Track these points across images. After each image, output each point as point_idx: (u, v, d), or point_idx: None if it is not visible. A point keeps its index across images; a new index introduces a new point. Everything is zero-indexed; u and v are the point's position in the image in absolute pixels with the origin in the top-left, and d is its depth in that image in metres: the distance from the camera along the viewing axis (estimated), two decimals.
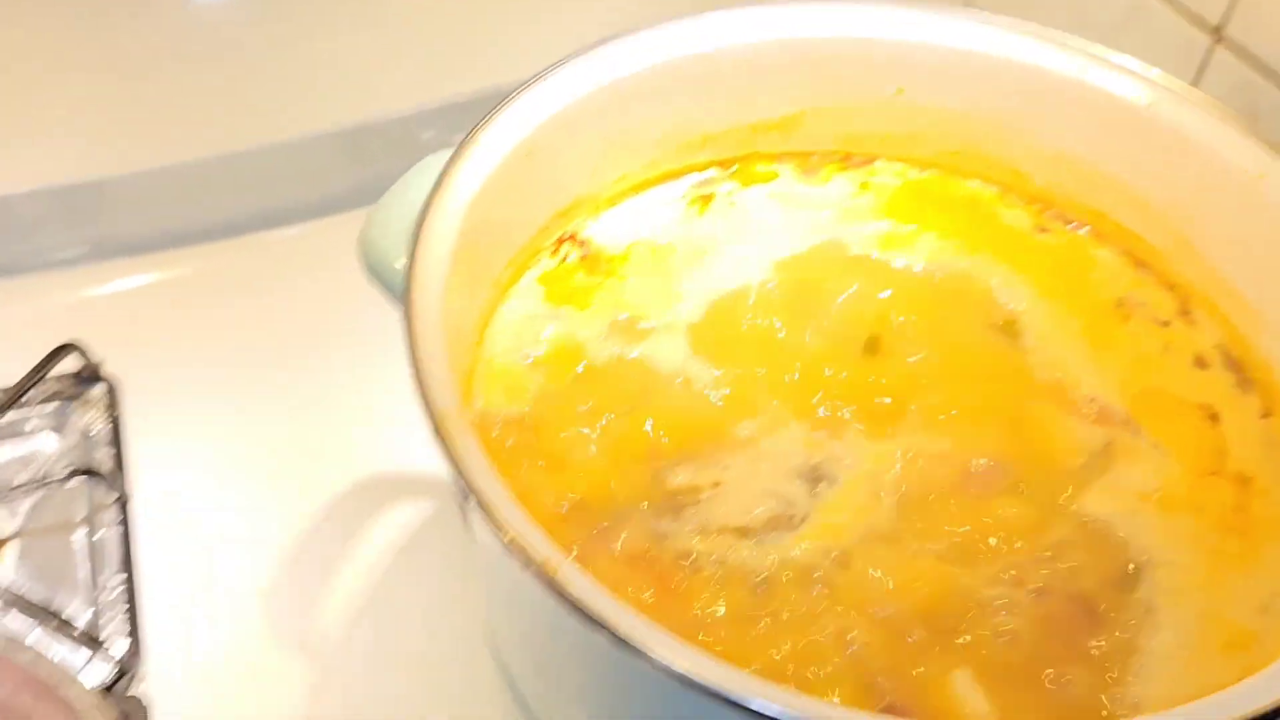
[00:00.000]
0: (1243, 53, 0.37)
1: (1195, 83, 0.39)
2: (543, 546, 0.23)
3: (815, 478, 0.31)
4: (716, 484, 0.30)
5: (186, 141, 0.57)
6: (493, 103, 0.61)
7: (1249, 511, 0.32)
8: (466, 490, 0.24)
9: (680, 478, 0.30)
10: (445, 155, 0.35)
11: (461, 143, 0.34)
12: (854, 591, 0.29)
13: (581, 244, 0.39)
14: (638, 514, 0.30)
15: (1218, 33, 0.38)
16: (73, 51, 0.53)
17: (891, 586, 0.29)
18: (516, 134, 0.35)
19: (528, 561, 0.23)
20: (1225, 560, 0.31)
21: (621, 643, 0.23)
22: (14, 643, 0.37)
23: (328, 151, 0.60)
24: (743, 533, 0.30)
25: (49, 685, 0.36)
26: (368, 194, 0.61)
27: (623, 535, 0.29)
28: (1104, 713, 0.27)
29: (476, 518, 0.24)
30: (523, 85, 0.36)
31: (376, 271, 0.34)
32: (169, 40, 0.54)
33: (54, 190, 0.56)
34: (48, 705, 0.37)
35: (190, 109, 0.56)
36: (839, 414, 0.32)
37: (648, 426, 0.32)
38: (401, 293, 0.32)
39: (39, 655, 0.37)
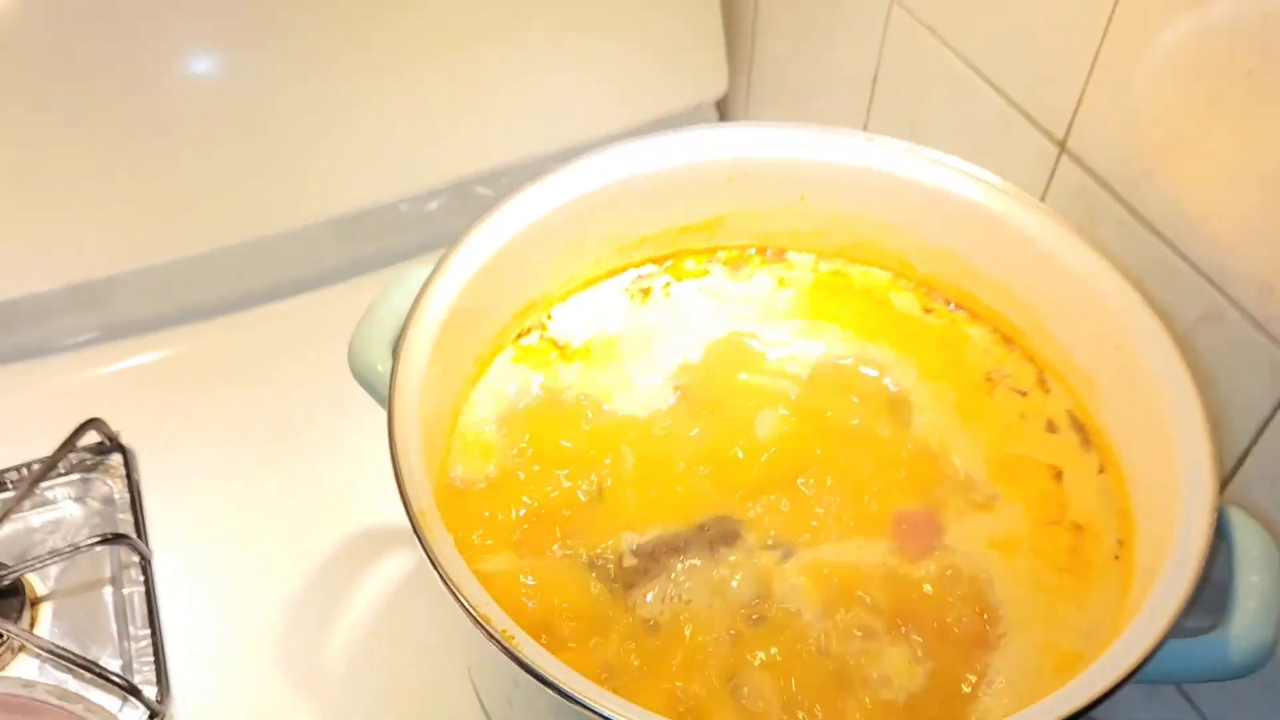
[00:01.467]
0: (1081, 163, 0.44)
1: (1049, 185, 0.46)
2: (501, 620, 0.30)
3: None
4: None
5: (187, 239, 0.63)
6: (461, 187, 0.68)
7: (1081, 554, 0.39)
8: (441, 579, 0.31)
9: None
10: (418, 271, 0.42)
11: (436, 265, 0.41)
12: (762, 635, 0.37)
13: (550, 340, 0.46)
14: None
15: (1062, 145, 0.45)
16: (83, 166, 0.59)
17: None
18: (480, 255, 0.42)
19: (489, 636, 0.30)
20: (1060, 596, 0.38)
21: (567, 696, 0.29)
22: (67, 693, 0.44)
23: (318, 236, 0.67)
24: None
25: None
26: (354, 268, 0.69)
27: None
28: None
29: (449, 599, 0.31)
30: (484, 214, 0.43)
31: (362, 376, 0.41)
32: (168, 151, 0.60)
33: (69, 287, 0.62)
34: None
35: (189, 210, 0.62)
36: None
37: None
38: (383, 392, 0.38)
39: (89, 705, 0.44)
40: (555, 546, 0.40)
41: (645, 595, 0.39)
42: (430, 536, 0.32)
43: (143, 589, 0.55)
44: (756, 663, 0.36)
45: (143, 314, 0.66)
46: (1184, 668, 0.34)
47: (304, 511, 0.58)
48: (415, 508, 0.33)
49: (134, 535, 0.56)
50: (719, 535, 0.41)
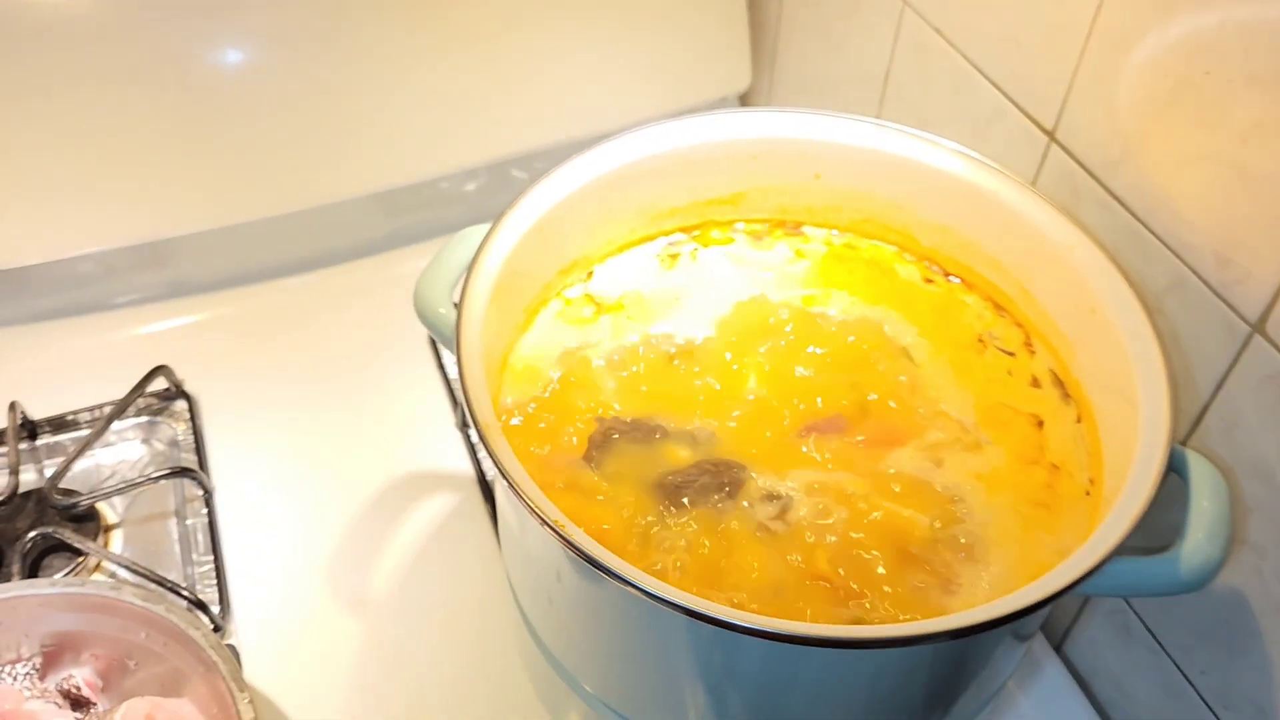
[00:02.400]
0: (1067, 150, 0.50)
1: (1040, 169, 0.52)
2: (553, 512, 0.36)
3: None
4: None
5: (244, 207, 0.68)
6: (497, 169, 0.73)
7: (1055, 489, 0.44)
8: (503, 476, 0.37)
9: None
10: (477, 230, 0.48)
11: (493, 223, 0.47)
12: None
13: (589, 295, 0.52)
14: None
15: (1051, 134, 0.50)
16: (150, 139, 0.64)
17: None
18: (531, 216, 0.48)
19: (543, 522, 0.35)
20: (1036, 524, 0.43)
21: (609, 573, 0.35)
22: (150, 594, 0.49)
23: (363, 208, 0.72)
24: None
25: (179, 629, 0.48)
26: (397, 239, 0.75)
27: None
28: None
29: (508, 494, 0.36)
30: (535, 179, 0.48)
31: (426, 316, 0.46)
32: (228, 128, 0.66)
33: (138, 246, 0.68)
34: (178, 645, 0.49)
35: (246, 181, 0.67)
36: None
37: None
38: (444, 329, 0.44)
39: (170, 606, 0.49)
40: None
41: (666, 525, 0.44)
42: (494, 444, 0.38)
43: (205, 520, 0.60)
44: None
45: (204, 274, 0.71)
46: (1143, 582, 0.39)
47: (352, 453, 0.63)
48: (481, 420, 0.38)
49: (197, 471, 0.61)
50: (731, 480, 0.45)
